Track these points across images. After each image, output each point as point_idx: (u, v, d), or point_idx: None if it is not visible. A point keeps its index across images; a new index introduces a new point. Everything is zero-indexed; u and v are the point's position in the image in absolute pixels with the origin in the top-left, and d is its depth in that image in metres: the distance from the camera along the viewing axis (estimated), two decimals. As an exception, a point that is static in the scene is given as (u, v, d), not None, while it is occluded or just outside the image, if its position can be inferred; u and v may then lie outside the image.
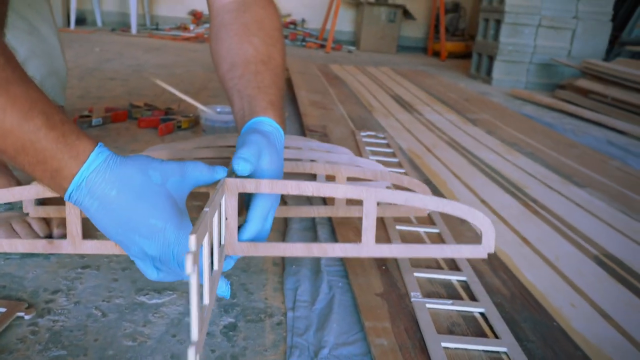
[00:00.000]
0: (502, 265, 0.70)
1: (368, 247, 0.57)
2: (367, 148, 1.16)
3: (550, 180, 1.07)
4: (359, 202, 0.74)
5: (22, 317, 0.53)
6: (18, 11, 0.89)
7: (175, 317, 0.55)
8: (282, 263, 0.68)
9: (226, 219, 0.53)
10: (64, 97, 1.01)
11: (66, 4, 3.84)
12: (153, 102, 1.49)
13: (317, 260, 0.68)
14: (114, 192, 0.47)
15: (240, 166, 0.52)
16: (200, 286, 0.37)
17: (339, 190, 0.56)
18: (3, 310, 0.54)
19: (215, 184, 0.53)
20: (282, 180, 0.55)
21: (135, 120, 1.32)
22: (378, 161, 0.99)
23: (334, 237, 0.75)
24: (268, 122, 0.60)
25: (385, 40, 3.93)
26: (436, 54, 3.95)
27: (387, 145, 1.21)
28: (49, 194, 0.54)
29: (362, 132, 1.30)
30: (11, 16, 0.85)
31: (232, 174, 0.55)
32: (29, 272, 0.62)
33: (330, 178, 0.78)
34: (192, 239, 0.35)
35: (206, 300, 0.41)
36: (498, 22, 2.52)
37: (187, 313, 0.56)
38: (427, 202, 0.58)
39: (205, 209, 0.43)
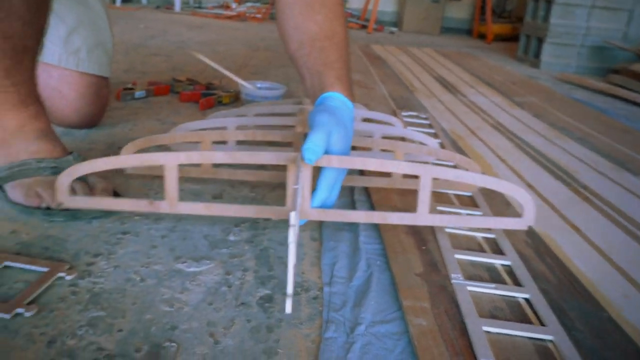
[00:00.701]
0: (549, 251, 0.67)
1: (422, 217, 0.64)
2: (410, 128, 1.13)
3: (602, 166, 1.02)
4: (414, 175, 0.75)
5: (64, 278, 0.54)
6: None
7: (212, 286, 0.55)
8: (320, 239, 0.67)
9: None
10: (109, 69, 1.02)
11: (113, -20, 3.89)
12: (195, 78, 1.49)
13: (355, 238, 0.67)
14: None
15: (307, 156, 0.58)
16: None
17: (400, 167, 0.65)
18: (46, 269, 0.55)
19: (291, 159, 0.62)
20: (350, 157, 0.63)
21: (177, 94, 1.33)
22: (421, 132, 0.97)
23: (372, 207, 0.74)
24: (336, 97, 0.65)
25: (428, 21, 3.84)
26: (481, 36, 3.83)
27: (429, 126, 1.18)
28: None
29: (404, 112, 1.27)
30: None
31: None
32: (72, 235, 0.63)
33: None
34: (293, 215, 0.47)
35: (293, 259, 0.50)
36: (549, 3, 2.42)
37: (224, 282, 0.56)
38: (476, 179, 0.66)
39: (296, 186, 0.57)
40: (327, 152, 0.62)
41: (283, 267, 0.60)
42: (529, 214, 0.64)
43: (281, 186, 0.79)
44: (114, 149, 0.92)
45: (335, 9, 0.72)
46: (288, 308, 0.51)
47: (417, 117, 1.24)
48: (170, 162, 0.63)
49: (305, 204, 0.62)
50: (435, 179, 0.77)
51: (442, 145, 1.03)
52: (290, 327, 0.50)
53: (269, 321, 0.51)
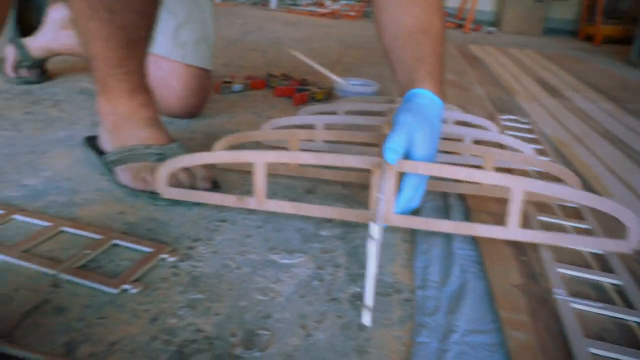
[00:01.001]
0: (664, 272, 0.62)
1: (512, 231, 0.60)
2: (508, 132, 1.09)
3: None
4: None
5: (166, 259, 0.57)
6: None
7: (304, 279, 0.56)
8: (412, 240, 0.66)
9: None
10: (211, 63, 1.06)
11: (215, -23, 4.05)
12: (289, 74, 1.52)
13: (448, 242, 0.65)
14: None
15: (388, 157, 0.58)
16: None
17: (488, 178, 0.62)
18: (150, 250, 0.58)
19: (376, 163, 0.61)
20: (436, 164, 0.61)
21: (272, 89, 1.36)
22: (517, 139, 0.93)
23: (466, 212, 0.72)
24: (425, 94, 0.64)
25: (530, 21, 3.67)
26: (588, 38, 3.61)
27: (530, 131, 1.12)
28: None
29: (503, 115, 1.22)
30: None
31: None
32: (173, 219, 0.66)
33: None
34: (373, 227, 0.46)
35: (373, 269, 0.50)
36: (669, 4, 2.23)
37: (315, 277, 0.56)
38: (572, 195, 0.60)
39: (380, 195, 0.56)
40: (409, 153, 0.61)
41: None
42: (634, 237, 0.58)
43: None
44: (212, 139, 0.95)
45: (434, 2, 0.70)
46: (366, 320, 0.49)
47: (516, 121, 1.19)
48: (259, 160, 0.64)
49: (389, 210, 0.61)
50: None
51: (543, 153, 0.98)
52: (381, 328, 0.50)
53: (360, 319, 0.50)
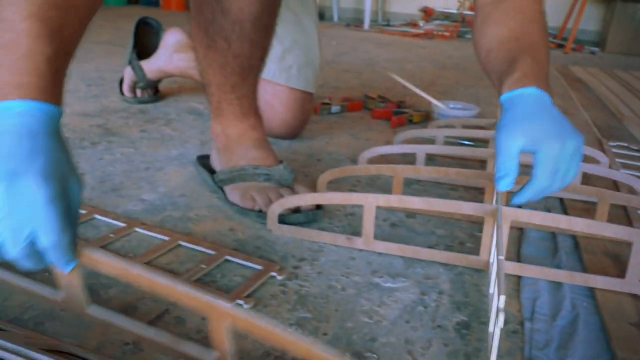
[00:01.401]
0: None
1: (632, 285, 0.59)
2: (618, 160, 1.03)
3: None
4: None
5: (275, 277, 0.60)
6: (288, 5, 0.99)
7: (409, 305, 0.56)
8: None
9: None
10: (315, 86, 1.10)
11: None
12: (385, 95, 1.53)
13: (557, 274, 0.63)
14: None
15: (501, 186, 0.56)
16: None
17: (608, 230, 0.60)
18: (260, 268, 0.60)
19: (489, 212, 0.60)
20: (554, 214, 0.60)
21: (369, 110, 1.38)
22: (633, 176, 0.88)
23: (577, 251, 0.69)
24: (520, 94, 0.57)
25: (638, 42, 3.45)
26: None
27: (643, 159, 1.06)
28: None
29: (612, 142, 1.16)
30: (282, 9, 0.95)
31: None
32: (280, 238, 0.69)
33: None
34: (502, 299, 0.40)
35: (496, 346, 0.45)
36: None
37: (420, 302, 0.57)
38: None
39: (501, 258, 0.49)
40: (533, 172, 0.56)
41: (479, 295, 0.59)
42: None
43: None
44: (313, 161, 0.99)
45: (532, 15, 0.67)
46: None
47: (627, 148, 1.12)
48: (369, 204, 0.65)
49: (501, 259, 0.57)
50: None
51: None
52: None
53: (467, 349, 0.50)
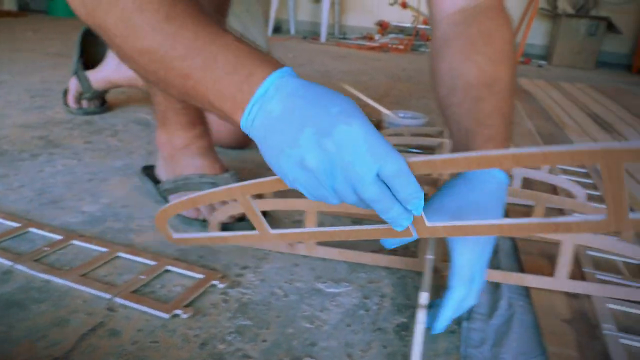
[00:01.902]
0: None
1: (560, 282, 0.60)
2: (559, 167, 1.07)
3: None
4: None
5: (216, 286, 0.59)
6: (236, 14, 0.99)
7: (351, 308, 0.57)
8: (459, 273, 0.65)
9: None
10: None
11: (266, 13, 4.19)
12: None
13: (496, 275, 0.64)
14: (300, 95, 0.40)
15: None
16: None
17: (536, 230, 0.54)
18: (201, 276, 0.60)
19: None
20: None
21: (320, 120, 1.39)
22: (570, 180, 0.91)
23: (515, 252, 0.71)
24: (489, 175, 0.52)
25: (582, 55, 3.61)
26: (643, 71, 3.51)
27: (581, 165, 1.10)
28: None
29: (553, 148, 1.20)
30: (230, 17, 0.95)
31: None
32: (224, 247, 0.68)
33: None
34: (423, 296, 0.40)
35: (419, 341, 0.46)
36: None
37: (361, 306, 0.57)
38: (636, 253, 0.58)
39: (429, 257, 0.49)
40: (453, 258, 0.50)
41: (420, 298, 0.60)
42: None
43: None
44: (262, 169, 0.99)
45: (503, 48, 0.59)
46: None
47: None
48: (311, 209, 0.64)
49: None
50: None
51: (595, 188, 0.96)
52: (425, 359, 0.49)
53: (405, 349, 0.51)
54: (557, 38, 3.64)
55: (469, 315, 0.56)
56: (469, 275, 0.50)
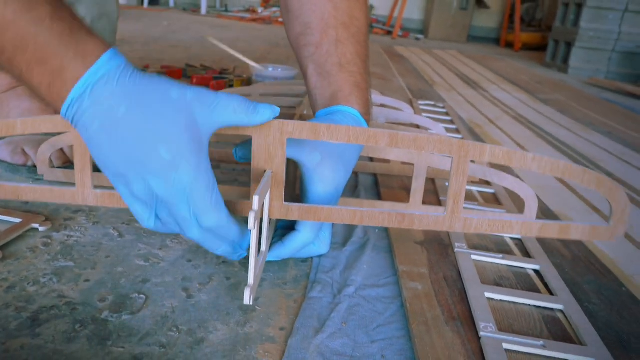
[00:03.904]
0: (565, 228, 0.62)
1: (415, 207, 0.59)
2: (425, 115, 1.09)
3: (630, 157, 0.96)
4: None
5: (37, 229, 0.51)
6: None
7: (194, 245, 0.51)
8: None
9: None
10: (114, 39, 1.00)
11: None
12: (211, 66, 1.47)
13: (355, 208, 0.62)
14: (123, 109, 0.37)
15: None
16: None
17: (393, 154, 0.59)
18: (18, 220, 0.51)
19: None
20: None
21: (189, 78, 1.31)
22: (430, 119, 0.92)
23: (376, 187, 0.69)
24: (349, 114, 0.50)
25: (455, 29, 3.79)
26: (509, 45, 3.77)
27: (446, 114, 1.13)
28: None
29: (421, 101, 1.22)
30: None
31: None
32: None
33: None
34: (256, 199, 0.37)
35: (263, 248, 0.46)
36: (579, 6, 2.35)
37: (207, 242, 0.52)
38: (475, 171, 0.59)
39: (269, 171, 0.44)
40: (307, 190, 0.47)
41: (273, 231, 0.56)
42: (531, 211, 0.56)
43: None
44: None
45: None
46: (246, 299, 0.39)
47: (434, 106, 1.19)
48: None
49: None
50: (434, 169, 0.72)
51: (457, 132, 0.98)
52: (272, 287, 0.46)
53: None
54: (432, 12, 3.79)
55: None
56: (318, 224, 0.48)
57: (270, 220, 0.47)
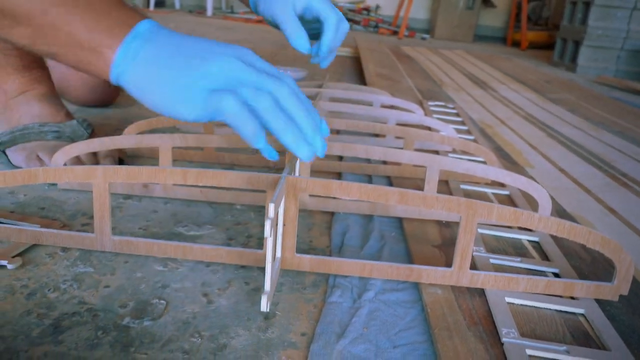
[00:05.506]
0: (582, 230, 0.61)
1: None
2: (435, 116, 1.08)
3: (642, 156, 0.95)
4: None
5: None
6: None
7: (211, 249, 0.51)
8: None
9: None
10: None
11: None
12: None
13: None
14: (177, 36, 0.43)
15: (300, 47, 0.58)
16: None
17: (404, 157, 0.61)
18: (37, 227, 0.51)
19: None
20: (352, 144, 0.61)
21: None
22: (440, 121, 0.92)
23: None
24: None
25: (461, 28, 3.78)
26: (516, 44, 3.75)
27: (456, 115, 1.12)
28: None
29: (431, 102, 1.22)
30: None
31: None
32: (71, 198, 0.60)
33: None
34: (272, 207, 0.38)
35: (278, 254, 0.47)
36: (587, 5, 2.34)
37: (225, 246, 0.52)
38: (488, 172, 0.59)
39: (284, 173, 0.45)
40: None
41: (289, 236, 0.56)
42: (544, 212, 0.57)
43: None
44: (127, 124, 0.90)
45: None
46: (263, 306, 0.40)
47: (444, 106, 1.19)
48: (165, 144, 0.60)
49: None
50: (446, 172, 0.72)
51: (467, 133, 0.98)
52: (292, 292, 0.46)
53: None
54: (438, 12, 3.78)
55: (340, 248, 0.53)
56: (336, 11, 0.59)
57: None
